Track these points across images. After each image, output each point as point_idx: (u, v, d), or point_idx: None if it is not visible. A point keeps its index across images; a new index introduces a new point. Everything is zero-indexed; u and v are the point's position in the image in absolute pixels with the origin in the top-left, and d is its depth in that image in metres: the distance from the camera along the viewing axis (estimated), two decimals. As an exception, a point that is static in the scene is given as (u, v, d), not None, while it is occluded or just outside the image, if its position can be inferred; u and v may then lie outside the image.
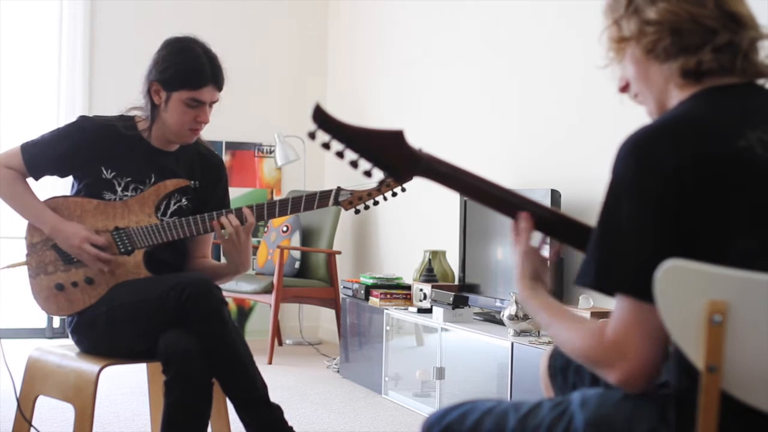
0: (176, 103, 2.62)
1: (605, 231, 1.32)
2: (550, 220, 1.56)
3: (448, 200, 4.51)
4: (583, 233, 1.53)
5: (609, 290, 1.31)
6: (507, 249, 3.86)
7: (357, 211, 2.58)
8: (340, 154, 1.50)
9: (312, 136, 1.48)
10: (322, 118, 1.48)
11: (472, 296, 3.93)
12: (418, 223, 5.10)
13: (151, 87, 2.65)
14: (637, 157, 1.30)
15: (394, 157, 1.51)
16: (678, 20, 1.38)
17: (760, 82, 1.42)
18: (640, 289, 1.28)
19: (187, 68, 2.61)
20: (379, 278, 4.59)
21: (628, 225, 1.29)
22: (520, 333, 3.47)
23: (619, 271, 1.29)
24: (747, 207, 1.27)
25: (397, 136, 1.51)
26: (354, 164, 1.51)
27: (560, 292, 3.59)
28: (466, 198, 3.43)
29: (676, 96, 1.41)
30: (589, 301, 3.30)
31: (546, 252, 1.63)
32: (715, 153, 1.29)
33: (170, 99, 2.63)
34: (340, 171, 5.98)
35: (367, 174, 1.52)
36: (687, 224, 1.27)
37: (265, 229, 5.79)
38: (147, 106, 2.68)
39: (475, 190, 1.55)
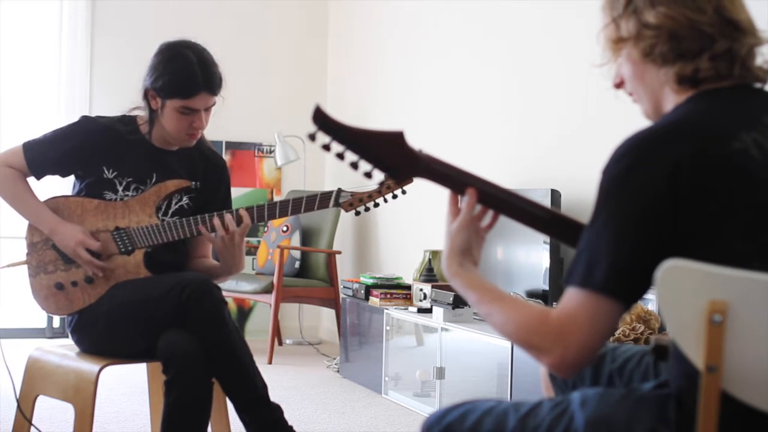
0: (170, 110, 2.63)
1: (592, 233, 1.32)
2: (547, 219, 1.55)
3: (448, 200, 4.50)
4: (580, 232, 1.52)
5: (592, 289, 1.30)
6: (508, 249, 3.86)
7: (357, 213, 2.58)
8: (340, 156, 1.50)
9: (312, 137, 1.48)
10: (322, 119, 1.48)
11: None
12: (418, 223, 5.10)
13: (147, 93, 2.66)
14: (630, 161, 1.30)
15: (394, 158, 1.51)
16: (677, 26, 1.38)
17: (756, 84, 1.42)
18: (611, 289, 1.28)
19: (179, 77, 2.59)
20: (379, 278, 4.59)
21: (610, 225, 1.30)
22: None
23: (598, 269, 1.29)
24: (743, 209, 1.27)
25: (397, 137, 1.51)
26: (354, 165, 1.51)
27: (558, 292, 3.59)
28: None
29: (672, 99, 1.41)
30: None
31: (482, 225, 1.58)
32: (711, 156, 1.29)
33: (165, 106, 2.63)
34: (339, 171, 5.98)
35: (368, 175, 1.51)
36: (682, 227, 1.27)
37: (265, 229, 5.79)
38: (146, 109, 2.69)
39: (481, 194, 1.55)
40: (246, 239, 5.98)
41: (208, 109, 2.66)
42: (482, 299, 1.45)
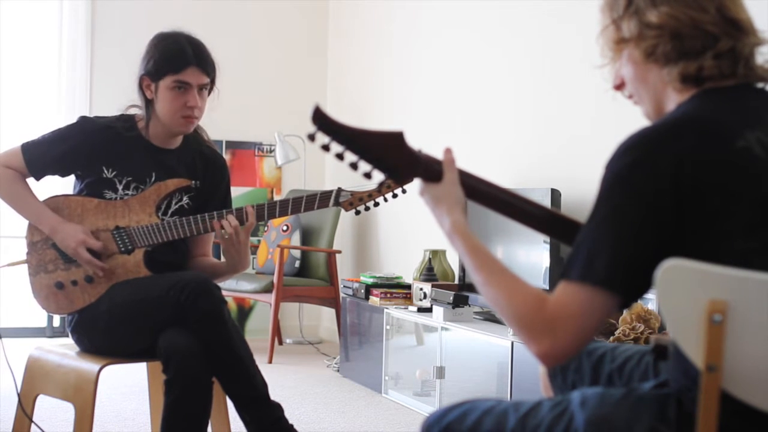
0: (164, 91, 2.63)
1: (592, 226, 1.32)
2: (547, 220, 1.56)
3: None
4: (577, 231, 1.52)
5: (591, 282, 1.30)
6: (507, 248, 3.86)
7: (357, 212, 2.59)
8: (339, 156, 1.49)
9: (312, 137, 1.48)
10: (321, 119, 1.47)
11: (472, 295, 3.93)
12: (418, 223, 5.09)
13: (141, 82, 2.67)
14: (634, 157, 1.30)
15: (394, 159, 1.51)
16: (679, 25, 1.38)
17: (759, 84, 1.42)
18: (611, 282, 1.28)
19: (168, 53, 2.63)
20: (379, 277, 4.59)
21: (611, 219, 1.30)
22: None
23: (599, 262, 1.29)
24: (745, 207, 1.28)
25: (397, 138, 1.51)
26: (354, 166, 1.50)
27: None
28: (465, 199, 3.41)
29: (674, 99, 1.41)
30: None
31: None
32: (714, 154, 1.29)
33: (159, 89, 2.64)
34: (340, 170, 5.98)
35: (367, 176, 1.51)
36: (684, 224, 1.28)
37: (265, 228, 5.79)
38: (142, 103, 2.69)
39: (475, 191, 1.55)
40: (246, 239, 6.01)
41: (201, 91, 2.66)
42: (481, 269, 1.42)
